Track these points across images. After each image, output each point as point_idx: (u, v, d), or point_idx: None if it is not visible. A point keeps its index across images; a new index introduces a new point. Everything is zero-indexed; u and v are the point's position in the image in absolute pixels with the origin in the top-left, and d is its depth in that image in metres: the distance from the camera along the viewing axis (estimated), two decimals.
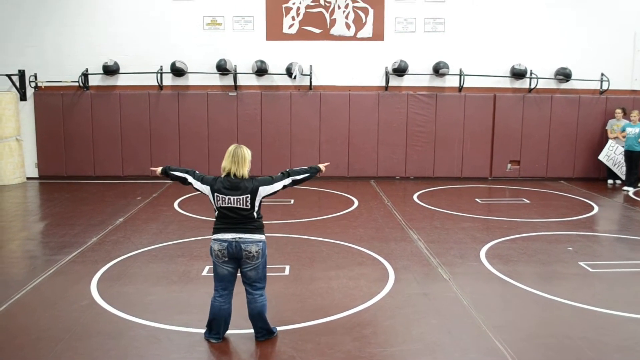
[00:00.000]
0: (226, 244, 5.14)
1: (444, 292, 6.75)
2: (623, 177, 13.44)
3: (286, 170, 5.49)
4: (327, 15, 14.04)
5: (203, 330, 5.50)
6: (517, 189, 13.23)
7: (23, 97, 13.93)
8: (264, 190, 5.19)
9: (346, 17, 14.08)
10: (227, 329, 5.47)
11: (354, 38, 14.16)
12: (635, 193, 12.77)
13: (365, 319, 5.94)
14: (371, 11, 14.06)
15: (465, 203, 11.61)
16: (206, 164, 13.96)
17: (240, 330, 5.60)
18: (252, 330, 5.46)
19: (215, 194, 5.14)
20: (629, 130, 13.14)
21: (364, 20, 14.09)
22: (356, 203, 11.55)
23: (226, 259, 5.19)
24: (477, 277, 7.29)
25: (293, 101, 14.08)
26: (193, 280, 7.03)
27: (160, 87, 13.97)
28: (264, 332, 5.40)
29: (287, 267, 7.51)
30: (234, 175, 5.12)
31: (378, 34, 14.16)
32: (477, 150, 14.37)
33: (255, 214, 5.18)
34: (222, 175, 5.20)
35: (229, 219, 5.16)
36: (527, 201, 11.89)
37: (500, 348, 5.28)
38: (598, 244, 9.02)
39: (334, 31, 14.12)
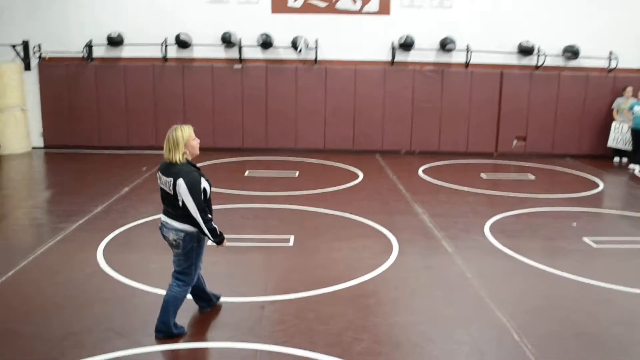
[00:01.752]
0: (159, 224, 4.99)
1: (447, 265, 6.78)
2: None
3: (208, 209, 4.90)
4: None
5: None
6: (522, 165, 13.18)
7: (27, 68, 13.87)
8: (181, 185, 4.63)
9: None
10: (207, 302, 5.42)
11: (359, 12, 14.00)
12: None
13: (368, 290, 5.98)
14: None
15: (471, 178, 11.57)
16: (211, 136, 13.94)
17: (246, 298, 5.65)
18: (259, 298, 5.50)
19: (158, 172, 4.89)
20: (637, 108, 13.04)
21: None
22: (361, 176, 11.54)
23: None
24: (481, 250, 7.30)
25: (298, 75, 14.00)
26: None
27: (165, 59, 13.89)
28: (160, 325, 4.92)
29: (292, 238, 7.54)
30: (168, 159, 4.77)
31: (384, 9, 13.99)
32: (483, 126, 14.28)
33: (179, 203, 4.70)
34: None
35: (163, 201, 4.91)
36: (533, 177, 11.86)
37: (503, 320, 5.31)
38: (602, 221, 9.02)
39: (339, 5, 13.95)
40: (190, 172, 4.72)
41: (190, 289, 5.05)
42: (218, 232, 4.85)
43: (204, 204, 4.75)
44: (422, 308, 5.60)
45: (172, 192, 4.71)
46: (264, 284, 6.07)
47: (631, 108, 13.27)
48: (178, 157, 4.71)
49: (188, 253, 4.86)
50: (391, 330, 5.17)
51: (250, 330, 5.09)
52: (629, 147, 13.43)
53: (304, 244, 7.36)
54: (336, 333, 5.04)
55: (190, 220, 4.73)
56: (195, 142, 4.84)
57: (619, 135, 13.61)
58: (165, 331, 4.89)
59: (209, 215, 4.81)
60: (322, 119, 14.13)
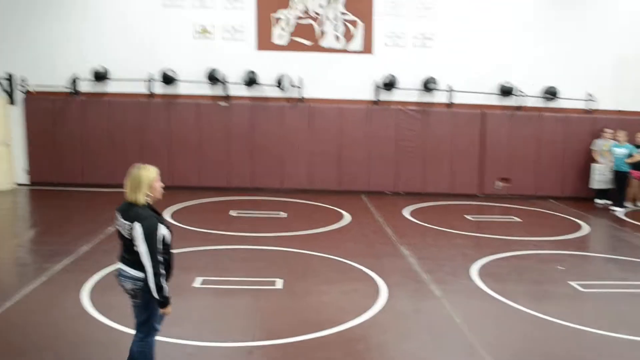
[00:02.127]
0: (116, 272, 4.66)
1: (435, 309, 6.77)
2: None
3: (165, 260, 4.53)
4: (316, 27, 14.11)
5: (196, 342, 5.46)
6: (506, 207, 13.30)
7: (11, 102, 13.79)
8: (137, 229, 4.33)
9: (336, 30, 14.16)
10: None
11: (343, 51, 14.23)
12: (623, 213, 12.88)
13: (357, 335, 5.94)
14: (361, 24, 14.16)
15: (456, 220, 11.65)
16: (196, 173, 13.94)
17: (233, 343, 5.58)
18: (247, 343, 5.41)
19: (116, 213, 4.58)
20: (615, 150, 13.30)
21: (353, 34, 14.18)
22: (348, 217, 11.56)
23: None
24: (469, 294, 7.31)
25: (284, 113, 14.11)
26: (185, 292, 6.97)
27: (151, 95, 13.92)
28: None
29: (280, 281, 7.49)
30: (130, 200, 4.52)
31: (368, 48, 14.24)
32: (466, 167, 14.45)
33: (135, 248, 4.41)
34: None
35: (121, 246, 4.62)
36: (517, 219, 11.96)
37: None
38: (588, 264, 9.10)
39: (323, 43, 14.19)
40: (149, 217, 4.42)
41: (155, 337, 4.73)
42: (165, 293, 4.41)
43: (161, 254, 4.41)
44: (411, 354, 5.57)
45: (129, 237, 4.42)
46: (252, 329, 6.00)
47: (610, 150, 13.54)
48: (140, 198, 4.46)
49: (147, 303, 4.50)
50: None
51: None
52: (611, 185, 13.66)
53: (293, 287, 7.31)
54: None
55: None
56: (159, 185, 4.59)
57: (601, 177, 13.84)
58: None
59: (162, 270, 4.39)
60: (308, 158, 14.20)
